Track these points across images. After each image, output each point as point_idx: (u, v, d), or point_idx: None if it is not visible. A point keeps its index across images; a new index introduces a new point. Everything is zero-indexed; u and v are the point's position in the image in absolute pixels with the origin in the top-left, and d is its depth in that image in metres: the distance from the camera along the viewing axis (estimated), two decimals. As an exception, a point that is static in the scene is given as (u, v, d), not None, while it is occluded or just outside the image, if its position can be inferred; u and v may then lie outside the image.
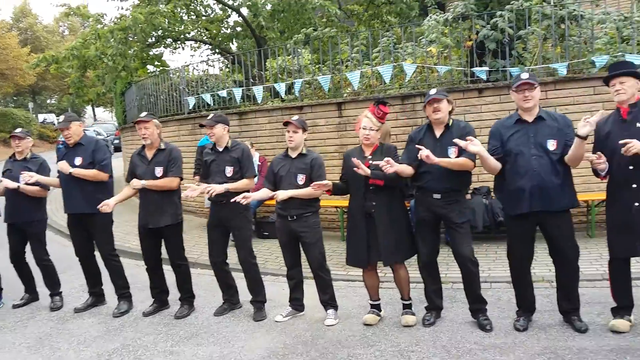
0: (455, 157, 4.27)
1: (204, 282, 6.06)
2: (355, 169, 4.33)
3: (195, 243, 8.02)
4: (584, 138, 3.90)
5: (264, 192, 4.91)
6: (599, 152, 3.96)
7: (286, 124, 4.81)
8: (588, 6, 8.20)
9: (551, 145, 4.08)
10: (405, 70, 7.98)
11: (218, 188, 4.83)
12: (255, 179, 5.29)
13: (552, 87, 7.30)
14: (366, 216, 4.50)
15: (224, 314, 5.19)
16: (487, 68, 7.62)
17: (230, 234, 5.22)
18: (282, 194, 4.65)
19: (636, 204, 3.94)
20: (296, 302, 5.03)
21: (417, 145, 4.30)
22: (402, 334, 4.45)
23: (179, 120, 10.81)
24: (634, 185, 3.93)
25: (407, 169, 4.36)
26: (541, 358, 3.83)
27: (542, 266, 5.30)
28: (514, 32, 7.62)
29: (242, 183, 4.99)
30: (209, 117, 5.12)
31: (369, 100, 8.16)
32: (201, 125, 5.26)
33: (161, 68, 14.93)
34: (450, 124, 4.40)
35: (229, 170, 5.01)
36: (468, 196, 6.61)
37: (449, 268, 5.62)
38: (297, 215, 4.75)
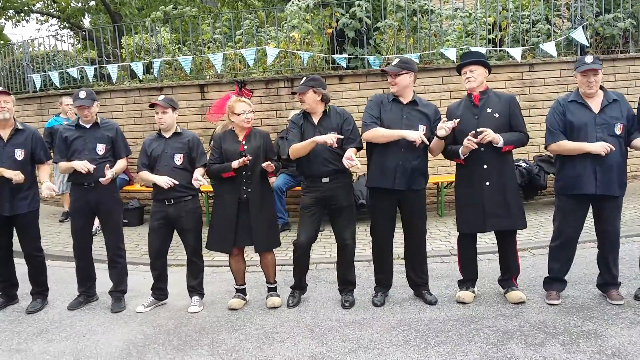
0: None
1: (56, 274, 5.64)
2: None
3: (45, 233, 7.38)
4: (442, 139, 4.21)
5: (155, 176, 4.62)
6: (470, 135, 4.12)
7: (153, 106, 4.60)
8: (437, 1, 8.79)
9: (421, 130, 4.31)
10: (268, 54, 7.99)
11: (108, 174, 4.57)
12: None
13: (406, 76, 7.74)
14: (239, 201, 4.47)
15: (80, 307, 4.86)
16: (346, 55, 7.88)
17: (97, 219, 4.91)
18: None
19: (487, 183, 4.29)
20: (159, 292, 4.85)
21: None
22: (267, 316, 4.50)
23: (22, 99, 9.85)
24: (485, 166, 4.27)
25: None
26: (396, 330, 4.08)
27: (398, 245, 5.62)
28: (372, 22, 7.95)
29: (122, 164, 4.84)
30: (83, 96, 4.68)
31: (233, 83, 8.08)
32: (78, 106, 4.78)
33: (1, 42, 13.49)
34: (327, 110, 4.48)
35: (100, 148, 4.72)
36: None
37: (313, 250, 5.75)
38: (175, 199, 4.58)
